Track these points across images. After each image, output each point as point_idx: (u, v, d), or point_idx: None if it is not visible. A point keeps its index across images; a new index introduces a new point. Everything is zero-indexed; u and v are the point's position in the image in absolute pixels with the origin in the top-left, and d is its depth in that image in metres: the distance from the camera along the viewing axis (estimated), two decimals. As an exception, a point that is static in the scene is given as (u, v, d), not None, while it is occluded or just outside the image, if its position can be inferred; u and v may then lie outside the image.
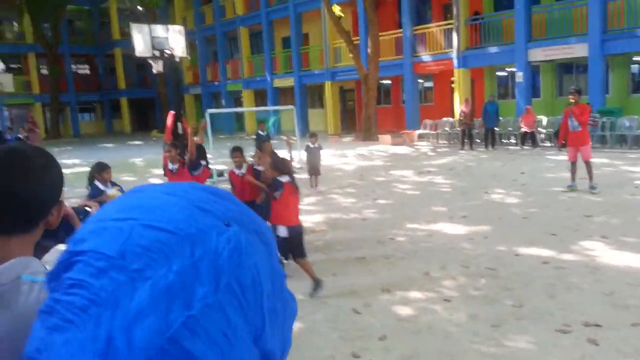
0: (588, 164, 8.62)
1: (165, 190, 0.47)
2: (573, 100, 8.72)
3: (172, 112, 14.32)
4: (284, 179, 4.68)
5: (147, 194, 0.47)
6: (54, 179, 1.16)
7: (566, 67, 19.87)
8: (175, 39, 15.22)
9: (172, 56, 14.69)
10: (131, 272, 0.39)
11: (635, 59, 17.76)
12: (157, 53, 14.64)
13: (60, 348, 0.39)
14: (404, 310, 4.32)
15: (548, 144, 16.37)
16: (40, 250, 1.19)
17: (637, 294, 4.38)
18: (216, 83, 33.16)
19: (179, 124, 13.86)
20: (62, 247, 1.29)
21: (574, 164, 8.73)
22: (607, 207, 7.49)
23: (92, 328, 0.38)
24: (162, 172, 7.05)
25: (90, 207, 1.25)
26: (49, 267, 1.23)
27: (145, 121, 39.83)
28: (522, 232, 6.45)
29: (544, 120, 17.01)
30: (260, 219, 0.51)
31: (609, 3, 16.27)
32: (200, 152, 6.36)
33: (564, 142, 9.13)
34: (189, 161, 6.25)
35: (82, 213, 1.24)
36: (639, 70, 18.21)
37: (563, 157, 13.27)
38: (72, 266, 0.43)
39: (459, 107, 19.11)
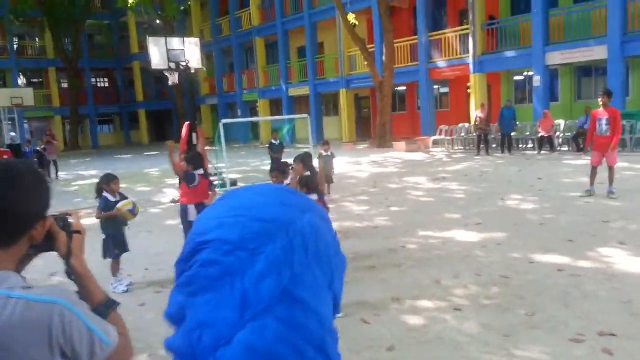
0: (612, 170, 8.38)
1: (255, 192, 0.67)
2: (602, 103, 8.44)
3: (187, 123, 14.45)
4: (313, 197, 4.55)
5: (244, 197, 0.67)
6: (43, 196, 1.18)
7: (585, 70, 19.56)
8: (191, 51, 15.39)
9: (187, 68, 14.85)
10: (250, 251, 0.59)
11: (656, 60, 17.39)
12: (173, 65, 14.84)
13: (202, 306, 0.60)
14: (414, 320, 4.23)
15: (566, 148, 16.10)
16: (24, 258, 1.19)
17: (656, 302, 4.23)
18: (232, 93, 33.43)
19: (194, 135, 13.99)
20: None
21: (595, 168, 8.50)
22: (626, 213, 7.29)
23: (228, 290, 0.59)
24: (178, 182, 6.98)
25: (70, 215, 1.24)
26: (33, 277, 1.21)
27: (163, 132, 40.39)
28: (537, 238, 6.31)
29: (562, 124, 16.73)
30: (320, 207, 0.70)
31: (629, 3, 15.99)
32: (197, 161, 6.20)
33: (589, 147, 8.86)
34: (182, 175, 6.03)
35: (61, 220, 1.24)
36: (660, 72, 17.81)
37: (582, 162, 13.05)
38: (201, 252, 0.61)
39: (474, 112, 18.93)
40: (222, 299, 0.58)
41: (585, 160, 12.97)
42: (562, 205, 8.08)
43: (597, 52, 16.67)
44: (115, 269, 5.47)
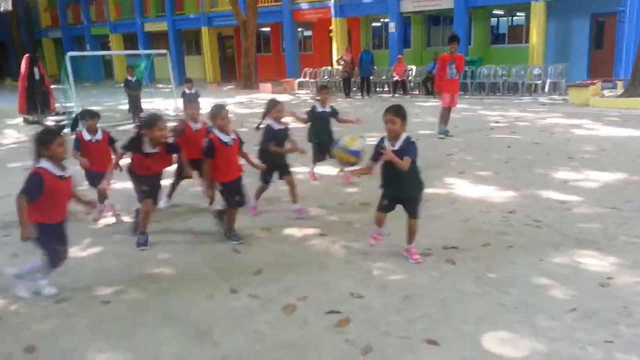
0: (450, 111, 9.14)
1: None
2: (453, 49, 8.97)
3: (26, 56, 12.87)
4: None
5: None
6: None
7: (435, 19, 20.94)
8: (25, -27, 13.52)
9: (22, -8, 13.07)
10: None
11: (494, 12, 19.19)
12: (4, -12, 12.98)
13: None
14: (282, 247, 4.43)
15: (417, 92, 17.35)
16: None
17: (488, 219, 4.92)
18: (79, 26, 30.22)
19: (36, 69, 12.53)
20: None
21: (449, 110, 9.13)
22: (464, 147, 8.22)
23: None
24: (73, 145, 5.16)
25: None
26: None
27: (-3, 67, 35.39)
28: (392, 171, 6.85)
29: (414, 69, 17.92)
30: None
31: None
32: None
33: (437, 90, 9.26)
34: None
35: None
36: (497, 23, 19.74)
37: (430, 104, 14.21)
38: None
39: (336, 56, 19.44)
40: None
41: (433, 103, 14.14)
42: (414, 142, 8.80)
43: (444, 2, 17.93)
44: None
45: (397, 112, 3.79)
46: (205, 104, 13.16)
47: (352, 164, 4.10)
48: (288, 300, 3.43)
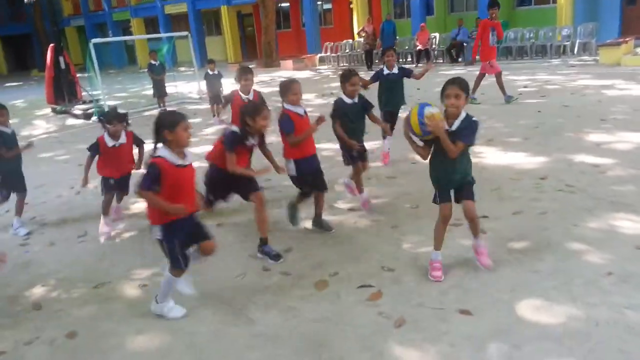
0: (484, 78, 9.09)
1: None
2: (495, 15, 8.75)
3: (51, 45, 13.06)
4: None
5: None
6: None
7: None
8: (45, -37, 13.64)
9: (43, -17, 13.21)
10: None
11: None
12: (25, -20, 13.14)
13: None
14: (310, 225, 4.45)
15: (441, 60, 16.98)
16: None
17: (518, 187, 4.83)
18: (100, 12, 30.45)
19: (61, 58, 12.71)
20: None
21: (483, 76, 9.04)
22: (492, 114, 8.05)
23: None
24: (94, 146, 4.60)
25: None
26: None
27: (24, 60, 36.09)
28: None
29: (437, 37, 17.50)
30: None
31: None
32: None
33: (476, 57, 9.16)
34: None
35: None
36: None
37: (454, 71, 13.89)
38: None
39: (357, 28, 19.12)
40: None
41: (458, 71, 13.85)
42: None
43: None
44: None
45: (462, 85, 3.06)
46: (228, 85, 13.16)
47: (416, 135, 3.26)
48: (319, 276, 3.46)
